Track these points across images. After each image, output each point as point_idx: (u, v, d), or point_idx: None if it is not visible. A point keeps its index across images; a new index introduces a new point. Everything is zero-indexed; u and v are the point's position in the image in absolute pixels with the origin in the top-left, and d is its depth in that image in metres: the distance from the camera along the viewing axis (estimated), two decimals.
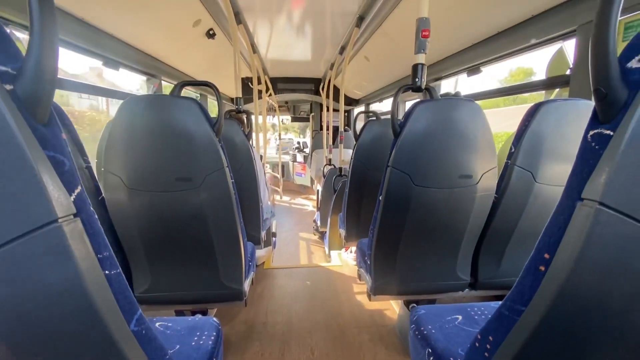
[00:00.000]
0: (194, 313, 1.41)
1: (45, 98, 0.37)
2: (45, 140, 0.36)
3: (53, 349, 0.41)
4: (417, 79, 1.15)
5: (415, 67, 1.15)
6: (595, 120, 0.42)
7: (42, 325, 0.39)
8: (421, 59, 1.14)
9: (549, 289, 0.44)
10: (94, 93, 1.81)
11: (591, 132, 0.42)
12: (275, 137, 7.30)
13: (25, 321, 0.38)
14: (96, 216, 0.42)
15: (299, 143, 6.95)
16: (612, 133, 0.39)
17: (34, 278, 0.36)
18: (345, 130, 4.08)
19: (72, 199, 0.38)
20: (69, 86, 1.59)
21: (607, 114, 0.40)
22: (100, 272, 0.41)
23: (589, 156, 0.42)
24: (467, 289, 1.37)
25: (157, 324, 0.94)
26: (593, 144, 0.41)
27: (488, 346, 0.57)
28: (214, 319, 0.98)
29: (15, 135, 0.33)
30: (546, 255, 0.46)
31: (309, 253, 3.07)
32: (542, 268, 0.46)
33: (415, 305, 1.46)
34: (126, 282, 0.46)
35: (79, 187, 0.39)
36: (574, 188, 0.43)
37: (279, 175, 5.74)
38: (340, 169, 2.85)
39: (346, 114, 5.51)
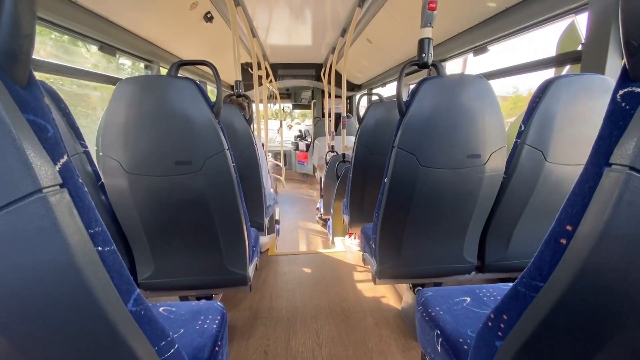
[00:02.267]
0: (198, 299, 1.41)
1: (23, 57, 0.33)
2: (25, 103, 0.33)
3: (44, 330, 0.39)
4: (423, 55, 1.09)
5: (421, 42, 1.10)
6: (625, 78, 0.38)
7: (32, 303, 0.36)
8: (428, 33, 1.09)
9: (570, 263, 0.41)
10: (74, 76, 1.65)
11: (621, 92, 0.38)
12: (278, 130, 6.98)
13: (12, 299, 0.35)
14: (86, 189, 0.39)
15: (300, 131, 6.84)
16: None
17: (20, 254, 0.34)
18: (347, 117, 4.01)
19: (58, 169, 0.35)
20: (46, 68, 1.45)
21: (639, 70, 0.36)
22: (92, 248, 0.38)
23: (619, 117, 0.38)
24: (473, 272, 1.35)
25: (160, 309, 0.93)
26: (623, 104, 0.38)
27: (502, 325, 0.55)
28: (219, 303, 0.97)
29: None
30: (568, 227, 0.42)
31: (312, 240, 3.07)
32: (564, 241, 0.43)
33: (421, 288, 1.45)
34: (122, 260, 0.44)
35: (65, 157, 0.36)
36: (601, 153, 0.39)
37: (281, 164, 5.70)
38: (343, 154, 2.81)
39: (348, 100, 5.42)
